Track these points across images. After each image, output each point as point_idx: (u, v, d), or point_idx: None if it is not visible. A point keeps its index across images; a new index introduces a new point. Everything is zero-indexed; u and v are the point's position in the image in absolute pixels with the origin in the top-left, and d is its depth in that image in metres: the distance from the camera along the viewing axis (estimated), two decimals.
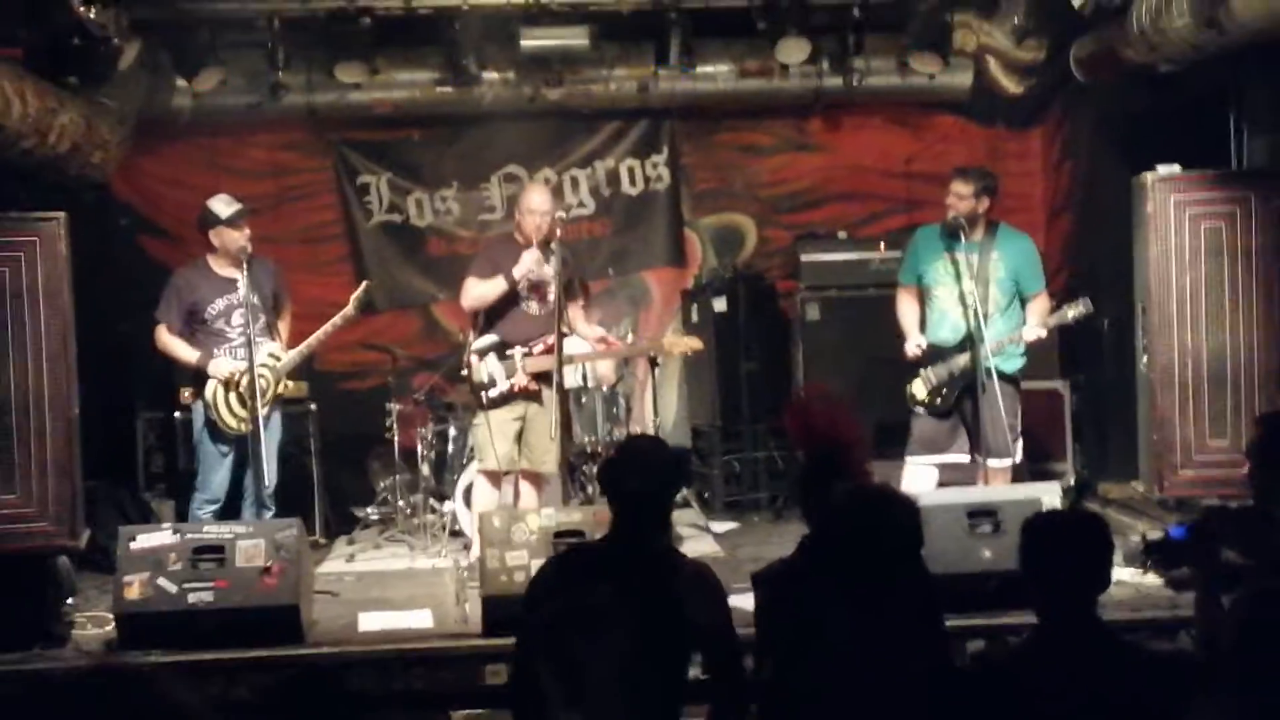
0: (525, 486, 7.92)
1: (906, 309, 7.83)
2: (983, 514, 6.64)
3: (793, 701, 3.91)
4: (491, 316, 7.80)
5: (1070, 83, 9.11)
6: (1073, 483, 9.09)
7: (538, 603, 4.19)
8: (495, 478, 7.81)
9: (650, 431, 9.05)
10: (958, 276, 7.57)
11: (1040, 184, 10.62)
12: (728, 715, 4.17)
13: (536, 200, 7.77)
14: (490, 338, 7.74)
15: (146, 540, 6.52)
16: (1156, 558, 7.05)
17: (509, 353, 7.72)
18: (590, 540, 4.58)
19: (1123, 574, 6.96)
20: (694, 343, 8.24)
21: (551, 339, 7.61)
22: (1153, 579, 7.02)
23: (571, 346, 7.86)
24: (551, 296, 7.74)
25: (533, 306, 7.81)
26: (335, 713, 3.39)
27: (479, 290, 7.76)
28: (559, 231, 7.65)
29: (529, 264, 7.60)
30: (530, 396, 7.77)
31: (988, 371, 7.35)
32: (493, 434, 7.65)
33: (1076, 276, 9.66)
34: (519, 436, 7.78)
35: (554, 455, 7.75)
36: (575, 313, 8.01)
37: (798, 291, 9.92)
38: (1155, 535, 7.20)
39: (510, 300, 7.76)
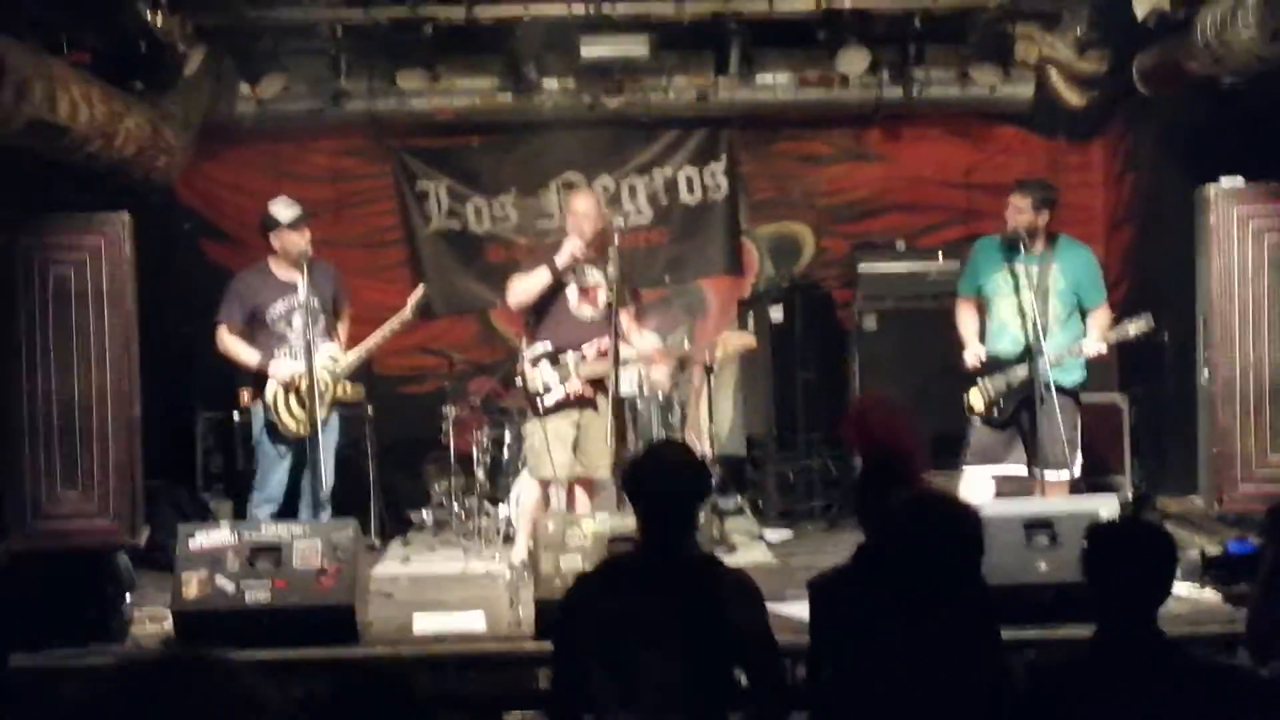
0: (579, 493, 7.95)
1: (966, 319, 7.80)
2: (1040, 525, 6.58)
3: (846, 709, 3.91)
4: (543, 323, 7.84)
5: (1133, 95, 9.05)
6: (1131, 496, 9.03)
7: (577, 612, 4.20)
8: (546, 486, 7.84)
9: (706, 440, 9.07)
10: (1017, 288, 7.53)
11: (1101, 196, 10.55)
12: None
13: (580, 202, 7.94)
14: (543, 345, 7.77)
15: (205, 539, 6.56)
16: (1216, 572, 7.06)
17: (562, 359, 7.74)
18: (623, 552, 4.57)
19: (1181, 589, 6.90)
20: (748, 339, 8.25)
21: (605, 343, 7.64)
22: (1211, 594, 6.96)
23: (625, 352, 7.87)
24: (603, 301, 7.77)
25: (584, 311, 7.84)
26: (400, 714, 3.41)
27: (523, 283, 7.83)
28: (616, 239, 7.69)
29: (570, 251, 7.68)
30: (585, 403, 7.80)
31: (1046, 385, 7.30)
32: (550, 442, 7.67)
33: (1137, 289, 9.59)
34: (575, 444, 7.81)
35: (608, 461, 7.78)
36: (628, 320, 8.03)
37: (855, 301, 9.91)
38: (1214, 550, 7.21)
39: (561, 305, 7.79)
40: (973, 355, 7.65)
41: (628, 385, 8.45)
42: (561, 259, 7.69)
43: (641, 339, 8.09)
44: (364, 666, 5.89)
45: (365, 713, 3.42)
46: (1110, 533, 3.66)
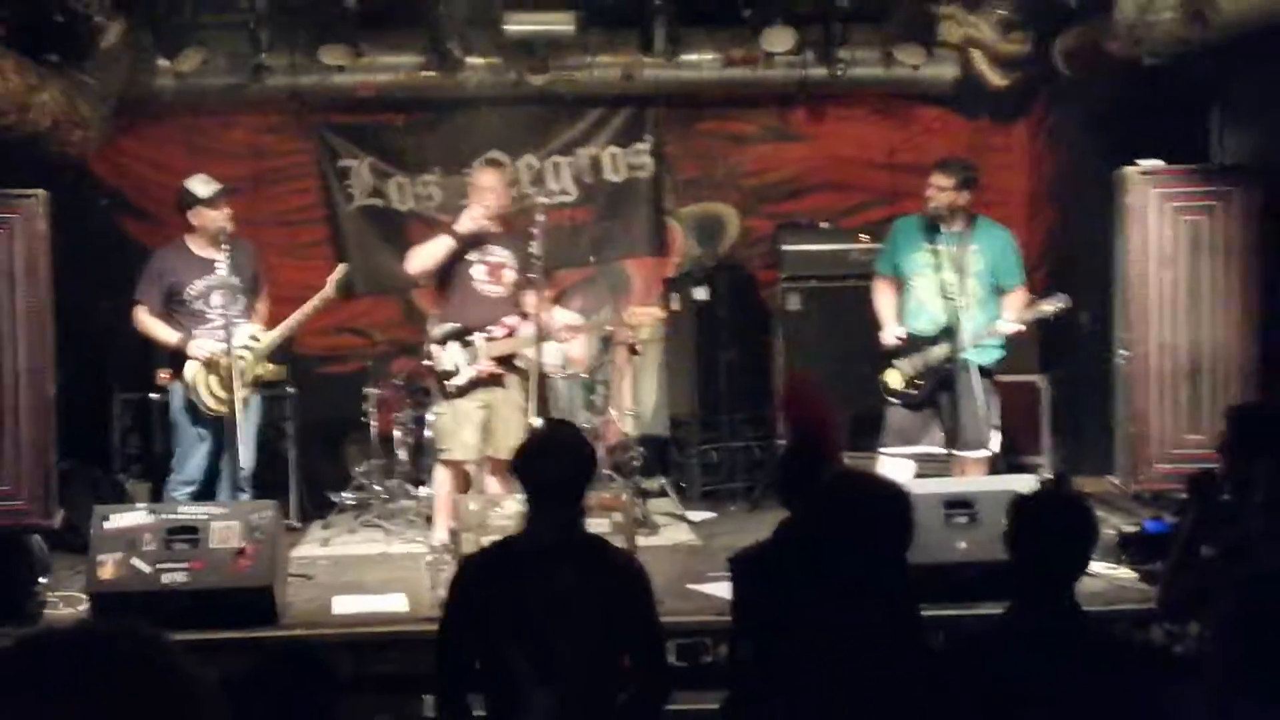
0: (489, 477, 7.91)
1: (884, 299, 7.83)
2: (960, 505, 6.64)
3: (769, 685, 3.91)
4: (449, 302, 7.80)
5: (1055, 76, 9.13)
6: (1049, 476, 9.10)
7: (470, 592, 4.18)
8: (457, 468, 7.80)
9: (629, 420, 9.06)
10: (936, 268, 7.57)
11: (1023, 177, 10.62)
12: (649, 703, 4.21)
13: (485, 177, 8.00)
14: (449, 325, 7.72)
15: (121, 520, 6.49)
16: (1132, 551, 7.15)
17: (469, 339, 7.71)
18: (511, 535, 4.57)
19: (1098, 567, 6.98)
20: (656, 312, 8.25)
21: (512, 321, 7.63)
22: (1127, 572, 7.05)
23: (531, 330, 7.85)
24: (508, 279, 7.75)
25: (490, 290, 7.80)
26: (320, 692, 3.38)
27: (424, 250, 7.86)
28: (539, 216, 7.66)
29: (470, 217, 7.68)
30: (494, 382, 7.76)
31: (964, 364, 7.36)
32: (458, 423, 7.64)
33: (1058, 270, 9.67)
34: (484, 424, 7.76)
35: (517, 442, 7.76)
36: (536, 298, 8.00)
37: (778, 282, 9.92)
38: (1130, 529, 7.31)
39: (466, 284, 7.75)
40: (890, 334, 7.69)
41: (552, 357, 8.42)
42: (461, 226, 7.66)
43: (552, 316, 8.03)
44: (282, 646, 5.84)
45: (283, 692, 3.39)
46: (1033, 503, 3.70)
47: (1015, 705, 3.40)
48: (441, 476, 7.84)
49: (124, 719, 1.57)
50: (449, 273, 7.81)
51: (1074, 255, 9.53)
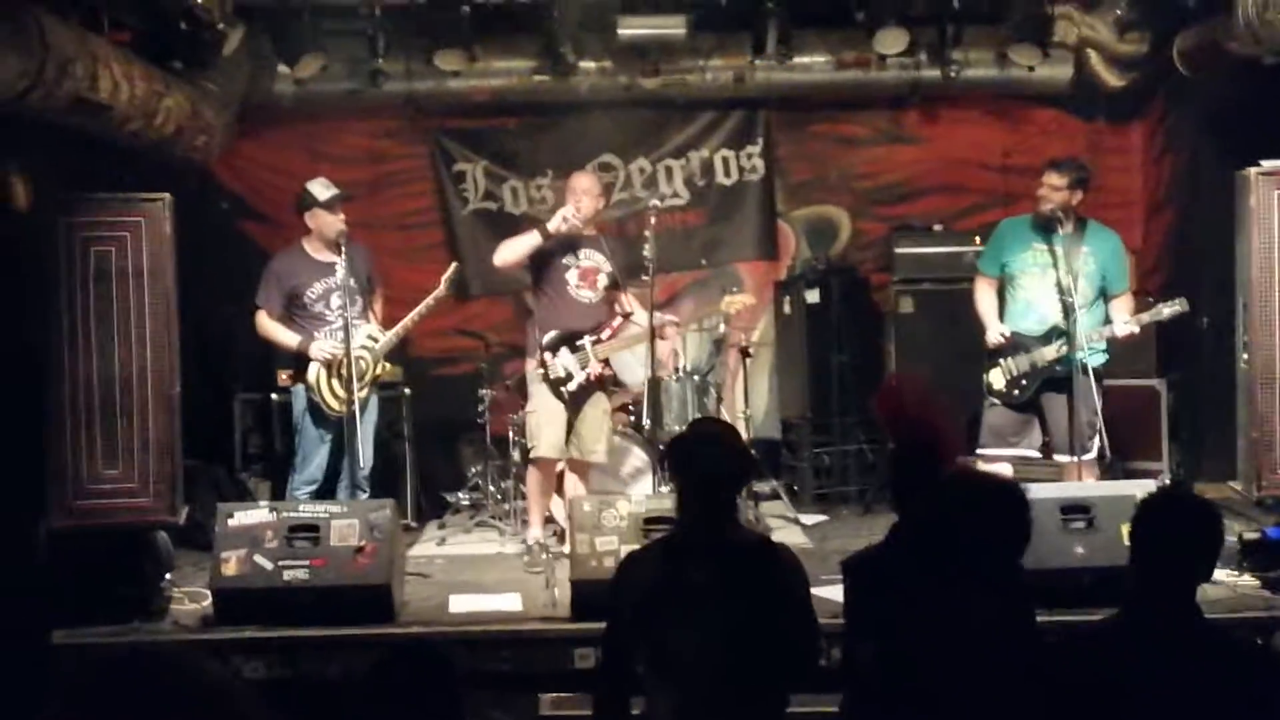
0: (571, 477, 7.97)
1: (985, 298, 7.76)
2: (1076, 510, 6.56)
3: (883, 690, 3.91)
4: (547, 309, 7.85)
5: (1173, 76, 9.00)
6: (1169, 482, 8.97)
7: (630, 590, 4.20)
8: (548, 467, 7.85)
9: (741, 424, 9.06)
10: (1045, 268, 7.50)
11: (1140, 178, 10.49)
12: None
13: (580, 181, 7.94)
14: (555, 332, 7.78)
15: (244, 517, 6.61)
16: (1254, 558, 7.02)
17: (579, 343, 7.76)
18: (671, 533, 4.54)
19: (1219, 574, 6.87)
20: (748, 299, 8.24)
21: (618, 324, 7.68)
22: (1249, 580, 6.93)
23: (633, 330, 7.92)
24: (602, 284, 7.79)
25: (585, 295, 7.85)
26: (444, 689, 3.42)
27: (512, 244, 7.89)
28: (652, 219, 7.72)
29: (563, 215, 7.70)
30: (598, 385, 7.85)
31: (1077, 366, 7.28)
32: (547, 422, 7.73)
33: (1176, 272, 9.53)
34: (570, 426, 7.82)
35: (604, 445, 7.88)
36: (628, 297, 8.06)
37: (891, 284, 9.89)
38: (1252, 535, 7.17)
39: (562, 290, 7.80)
40: (996, 333, 7.61)
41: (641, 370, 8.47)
42: (554, 224, 7.71)
43: (644, 317, 8.02)
44: (404, 644, 5.92)
45: (404, 689, 3.43)
46: (1160, 504, 3.66)
47: (1129, 705, 3.37)
48: (533, 475, 7.90)
49: None
50: (544, 279, 7.87)
51: (1194, 257, 9.39)
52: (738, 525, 4.26)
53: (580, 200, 7.76)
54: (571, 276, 7.81)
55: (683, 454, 4.28)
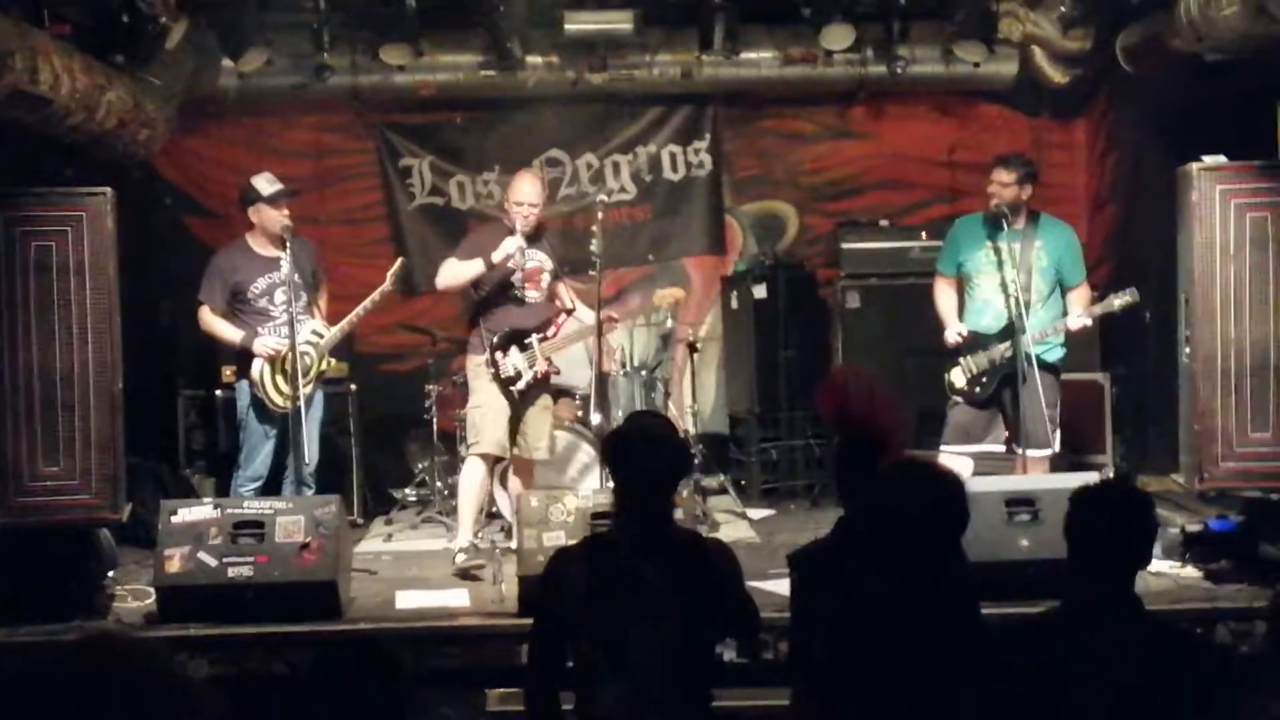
0: (511, 475, 7.98)
1: (944, 298, 7.79)
2: (1021, 502, 6.60)
3: (831, 682, 3.92)
4: (491, 308, 7.77)
5: (1116, 72, 9.08)
6: (1112, 474, 9.04)
7: (560, 585, 4.18)
8: (489, 462, 7.81)
9: (689, 418, 9.07)
10: (999, 265, 7.53)
11: (1084, 174, 10.57)
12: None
13: (524, 191, 7.70)
14: (503, 330, 7.73)
15: (187, 514, 6.56)
16: (1196, 549, 7.09)
17: (526, 341, 7.73)
18: (603, 530, 4.50)
19: (1161, 565, 6.93)
20: (677, 292, 8.24)
21: (562, 320, 7.67)
22: (1192, 571, 7.00)
23: (576, 326, 7.91)
24: (545, 282, 7.76)
25: (531, 295, 7.80)
26: (385, 685, 3.41)
27: (454, 269, 7.76)
28: (599, 214, 7.70)
29: (510, 249, 7.57)
30: (545, 383, 7.82)
31: (1030, 360, 7.32)
32: (492, 419, 7.68)
33: (1120, 267, 9.61)
34: (513, 424, 7.80)
35: (545, 442, 7.86)
36: (569, 292, 8.05)
37: (838, 279, 9.92)
38: (1194, 527, 7.24)
39: (507, 292, 7.75)
40: (953, 333, 7.65)
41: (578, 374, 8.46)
42: (499, 255, 7.57)
43: (586, 312, 7.99)
44: (346, 641, 5.89)
45: (347, 687, 3.41)
46: (1093, 492, 3.68)
47: (1071, 696, 3.39)
48: (472, 470, 7.78)
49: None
50: (488, 279, 7.79)
51: (1136, 252, 9.47)
52: (671, 521, 4.25)
53: (527, 215, 7.64)
54: (517, 278, 7.77)
55: (619, 449, 4.27)
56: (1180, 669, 3.43)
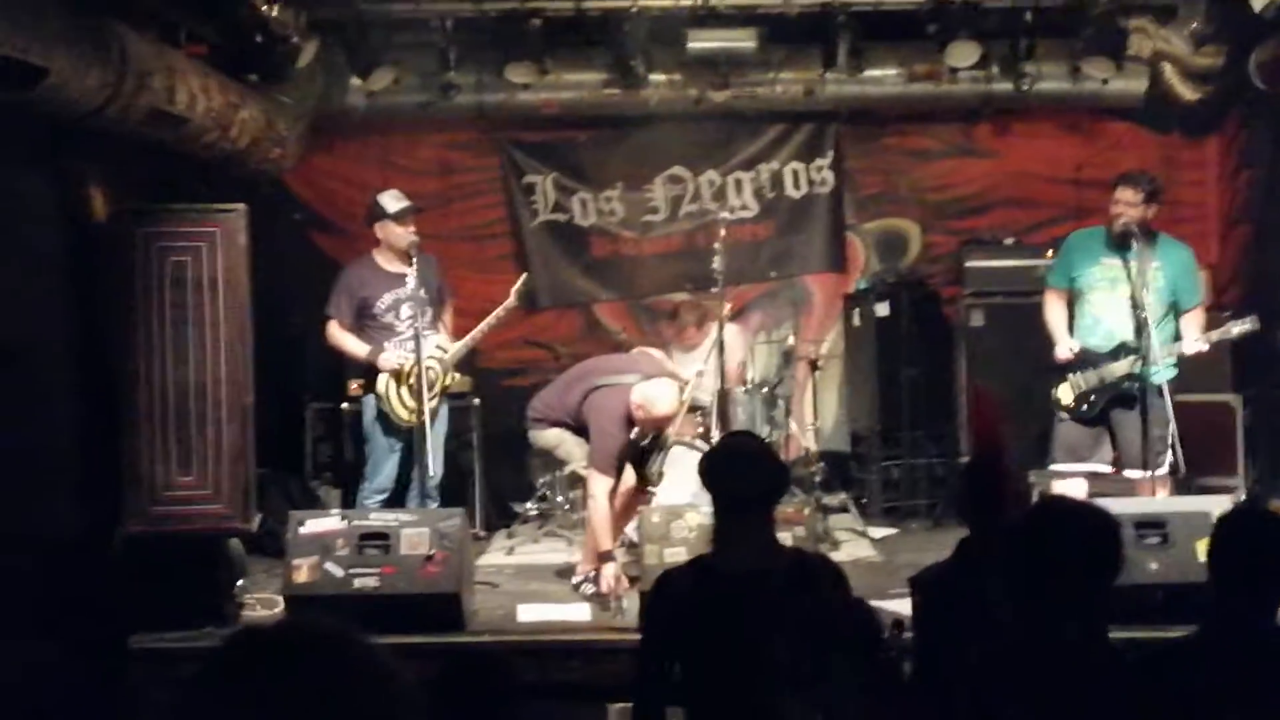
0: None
1: (1055, 312, 7.68)
2: (1151, 525, 6.50)
3: (955, 700, 3.88)
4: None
5: (1249, 89, 8.89)
6: (1245, 498, 8.86)
7: (662, 606, 4.18)
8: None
9: (810, 436, 9.05)
10: (1114, 282, 7.42)
11: (1216, 193, 10.38)
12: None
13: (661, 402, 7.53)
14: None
15: (315, 525, 6.66)
16: None
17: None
18: (706, 554, 4.45)
19: None
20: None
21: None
22: None
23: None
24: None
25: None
26: (501, 699, 3.44)
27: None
28: (721, 232, 7.72)
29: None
30: None
31: (1149, 383, 7.21)
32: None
33: (1253, 288, 9.42)
34: None
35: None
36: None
37: (961, 297, 9.84)
38: None
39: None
40: (1065, 348, 7.53)
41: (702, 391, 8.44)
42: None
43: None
44: (469, 652, 5.94)
45: (468, 698, 3.45)
46: (1238, 519, 3.61)
47: None
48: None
49: (327, 713, 1.62)
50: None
51: (1270, 272, 9.27)
52: (772, 540, 4.21)
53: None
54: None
55: (711, 470, 4.26)
56: None
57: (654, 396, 7.38)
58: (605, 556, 7.30)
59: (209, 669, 1.66)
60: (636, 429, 7.39)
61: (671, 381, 7.62)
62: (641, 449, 7.57)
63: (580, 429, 7.53)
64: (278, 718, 1.59)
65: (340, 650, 1.68)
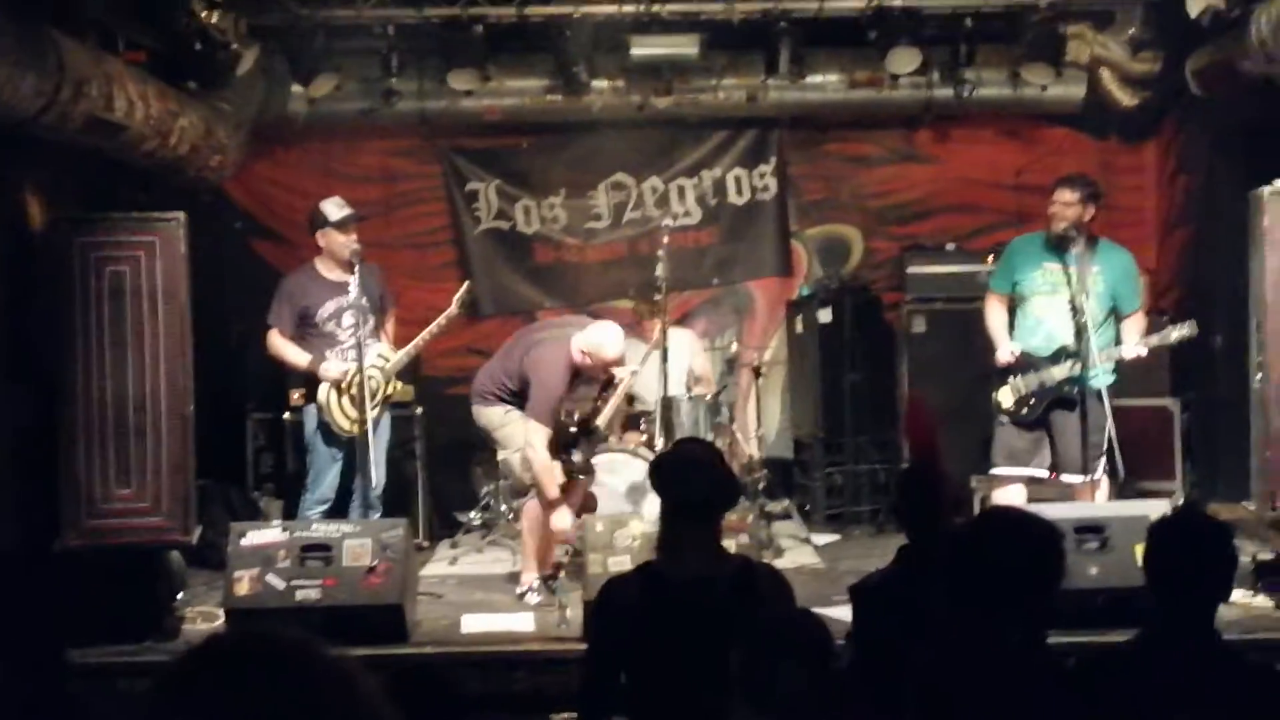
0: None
1: (996, 316, 7.75)
2: (1090, 530, 6.55)
3: (894, 711, 3.89)
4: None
5: (1186, 95, 8.99)
6: (1182, 501, 8.94)
7: (608, 615, 4.17)
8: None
9: (753, 443, 9.06)
10: (1055, 287, 7.48)
11: (1154, 198, 10.48)
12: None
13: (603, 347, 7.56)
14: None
15: (257, 537, 6.62)
16: (1269, 579, 6.99)
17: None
18: (652, 561, 4.44)
19: (1233, 595, 6.84)
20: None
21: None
22: (1263, 600, 6.91)
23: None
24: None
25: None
26: (445, 712, 3.43)
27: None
28: (664, 239, 7.72)
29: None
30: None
31: (1085, 387, 7.27)
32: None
33: (1190, 292, 9.52)
34: None
35: None
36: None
37: (903, 303, 9.88)
38: (1266, 556, 7.15)
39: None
40: (1006, 352, 7.59)
41: (676, 386, 8.44)
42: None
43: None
44: (411, 664, 5.91)
45: (411, 711, 3.42)
46: (1173, 524, 3.64)
47: None
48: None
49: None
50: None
51: (1207, 277, 9.37)
52: (719, 548, 4.20)
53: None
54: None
55: (660, 477, 4.26)
56: (1261, 703, 3.38)
57: (599, 340, 7.44)
58: (554, 505, 7.39)
59: (170, 681, 1.63)
60: (573, 397, 7.55)
61: (614, 324, 7.66)
62: (570, 434, 7.58)
63: (523, 391, 7.50)
64: None
65: (307, 659, 1.66)
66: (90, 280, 6.87)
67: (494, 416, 7.71)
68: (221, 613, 6.69)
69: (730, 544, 6.34)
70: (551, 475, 7.42)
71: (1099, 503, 7.28)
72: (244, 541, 6.60)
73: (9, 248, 6.95)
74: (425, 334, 7.85)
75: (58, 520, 6.80)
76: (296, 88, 9.39)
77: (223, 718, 1.58)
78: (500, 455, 7.86)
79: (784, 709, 3.95)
